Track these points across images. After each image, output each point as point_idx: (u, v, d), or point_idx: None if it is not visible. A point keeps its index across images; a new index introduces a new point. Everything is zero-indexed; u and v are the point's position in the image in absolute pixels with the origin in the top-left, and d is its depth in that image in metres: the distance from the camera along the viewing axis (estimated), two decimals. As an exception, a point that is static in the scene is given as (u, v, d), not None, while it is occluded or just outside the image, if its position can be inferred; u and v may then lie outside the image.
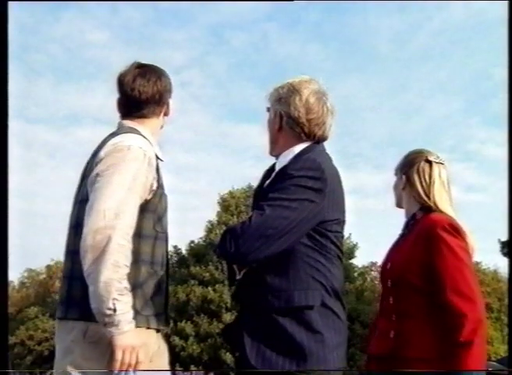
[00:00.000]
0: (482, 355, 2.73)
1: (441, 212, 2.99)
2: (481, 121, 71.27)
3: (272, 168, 2.91)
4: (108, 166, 2.51)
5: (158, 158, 2.78)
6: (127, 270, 2.44)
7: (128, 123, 2.82)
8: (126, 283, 2.42)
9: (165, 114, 2.93)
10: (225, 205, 35.51)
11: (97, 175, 2.51)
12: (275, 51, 65.60)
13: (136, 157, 2.56)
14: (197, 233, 38.50)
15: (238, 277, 2.73)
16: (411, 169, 3.11)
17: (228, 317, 30.55)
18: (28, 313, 45.91)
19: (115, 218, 2.40)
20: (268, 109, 2.93)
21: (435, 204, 3.01)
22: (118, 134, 2.68)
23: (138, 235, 2.56)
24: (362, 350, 29.79)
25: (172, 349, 30.01)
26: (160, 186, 2.69)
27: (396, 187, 3.26)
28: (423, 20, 67.31)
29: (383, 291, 3.15)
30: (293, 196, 2.56)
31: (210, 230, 34.94)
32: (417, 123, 66.79)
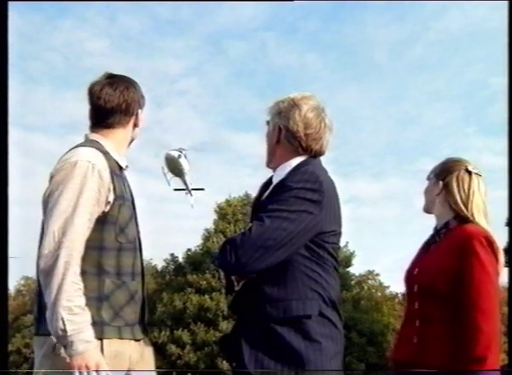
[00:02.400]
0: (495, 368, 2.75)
1: (477, 224, 2.96)
2: (478, 130, 71.33)
3: (269, 181, 2.94)
4: (57, 184, 2.55)
5: (122, 168, 2.80)
6: (77, 287, 2.45)
7: (92, 135, 2.82)
8: (77, 301, 2.44)
9: (135, 125, 2.91)
10: (222, 213, 35.51)
11: (48, 195, 2.57)
12: (273, 61, 65.69)
13: (84, 172, 2.56)
14: (194, 242, 38.47)
15: (236, 288, 2.77)
16: (450, 176, 3.06)
17: (225, 325, 30.50)
18: (24, 321, 45.74)
19: (61, 239, 2.45)
20: (268, 123, 2.97)
21: (472, 215, 2.98)
22: (70, 150, 2.69)
23: (99, 248, 2.59)
24: (359, 359, 29.76)
25: (168, 357, 30.10)
26: (118, 197, 2.67)
27: (428, 192, 3.21)
28: (420, 30, 67.47)
29: (408, 296, 3.14)
30: (292, 207, 2.60)
31: (207, 238, 34.91)
32: (414, 132, 66.81)
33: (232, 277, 2.76)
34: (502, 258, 2.89)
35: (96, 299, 2.55)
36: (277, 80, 64.04)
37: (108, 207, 2.62)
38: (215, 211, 36.16)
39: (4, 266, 2.87)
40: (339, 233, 2.80)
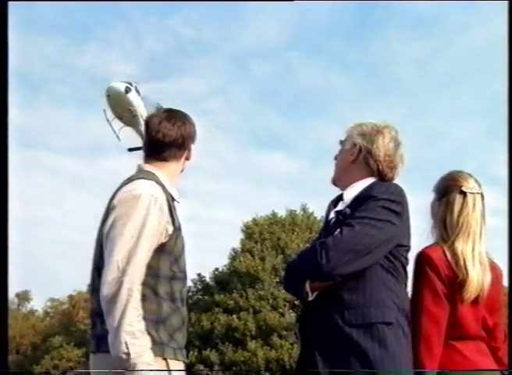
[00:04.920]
0: None
1: (450, 245, 2.95)
2: (504, 144, 70.65)
3: (339, 198, 3.03)
4: (121, 215, 2.66)
5: (174, 200, 2.89)
6: (138, 312, 2.57)
7: (147, 166, 2.94)
8: (139, 326, 2.56)
9: (187, 158, 3.03)
10: (249, 232, 35.50)
11: (111, 224, 2.67)
12: (297, 80, 65.98)
13: (147, 205, 2.68)
14: (221, 261, 38.47)
15: (310, 298, 2.79)
16: (443, 199, 3.07)
17: (253, 345, 30.38)
18: (53, 342, 46.02)
19: (125, 267, 2.57)
20: (342, 142, 3.09)
21: (448, 236, 2.98)
22: (132, 180, 2.79)
23: (155, 276, 2.70)
24: None
25: (197, 378, 29.99)
26: (176, 229, 2.79)
27: (431, 206, 3.21)
28: (444, 45, 67.41)
29: None
30: (379, 216, 2.73)
31: (234, 257, 34.90)
32: (440, 148, 66.62)
33: (307, 287, 2.77)
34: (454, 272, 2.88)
35: (154, 322, 2.66)
36: (301, 98, 64.32)
37: (167, 238, 2.74)
38: (242, 230, 36.18)
39: (4, 266, 2.91)
40: (409, 250, 2.91)
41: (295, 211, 36.63)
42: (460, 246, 2.92)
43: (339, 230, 2.75)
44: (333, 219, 2.94)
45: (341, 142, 3.10)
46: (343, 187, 3.01)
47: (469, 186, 3.04)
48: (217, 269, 35.73)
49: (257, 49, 63.61)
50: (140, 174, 2.85)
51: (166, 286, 2.73)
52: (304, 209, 36.40)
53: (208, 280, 36.14)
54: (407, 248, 2.87)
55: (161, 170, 2.90)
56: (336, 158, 3.12)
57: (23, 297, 55.92)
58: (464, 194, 3.02)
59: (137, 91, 27.36)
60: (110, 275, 2.56)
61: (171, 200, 2.85)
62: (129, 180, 2.81)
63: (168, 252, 2.74)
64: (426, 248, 2.97)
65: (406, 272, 2.88)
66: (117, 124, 28.36)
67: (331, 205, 3.05)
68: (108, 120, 28.47)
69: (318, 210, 32.71)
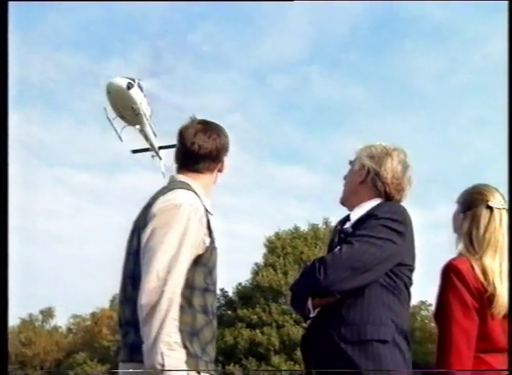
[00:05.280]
0: None
1: (478, 259, 2.90)
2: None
3: (346, 218, 3.04)
4: (161, 224, 2.63)
5: (208, 212, 2.85)
6: (176, 323, 2.54)
7: (181, 176, 2.91)
8: (176, 338, 2.52)
9: (219, 170, 3.01)
10: (272, 246, 35.50)
11: (151, 233, 2.64)
12: (316, 93, 66.06)
13: (188, 215, 2.66)
14: (244, 276, 38.46)
15: (312, 315, 2.82)
16: (469, 212, 3.02)
17: (276, 360, 30.29)
18: (76, 359, 46.21)
19: (166, 276, 2.55)
20: (351, 162, 3.12)
21: (474, 250, 2.93)
22: (171, 190, 2.77)
23: (191, 287, 2.67)
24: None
25: (222, 392, 29.96)
26: (212, 241, 2.77)
27: (454, 218, 3.17)
28: (463, 56, 67.20)
29: None
30: (379, 234, 2.73)
31: (256, 272, 34.90)
32: (459, 159, 66.25)
33: (309, 304, 2.80)
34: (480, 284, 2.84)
35: (189, 333, 2.63)
36: (321, 112, 64.38)
37: (204, 250, 2.72)
38: (265, 245, 36.19)
39: (4, 266, 2.88)
40: (413, 269, 2.91)
41: (317, 225, 36.64)
42: (488, 261, 2.91)
43: (338, 247, 2.77)
44: (336, 238, 2.98)
45: (350, 162, 3.12)
46: (351, 208, 3.04)
47: (496, 201, 3.02)
48: (240, 284, 35.74)
49: (276, 64, 63.82)
50: (178, 184, 2.83)
51: (200, 298, 2.71)
52: (325, 223, 36.38)
53: (230, 294, 36.17)
54: (411, 267, 2.87)
55: (195, 182, 2.89)
56: (345, 178, 3.16)
57: (47, 313, 56.22)
58: (490, 208, 3.00)
59: (140, 87, 25.29)
60: (150, 284, 2.54)
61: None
62: (168, 189, 2.79)
63: (203, 264, 2.72)
64: (453, 259, 2.95)
65: (409, 291, 2.89)
66: (119, 124, 26.33)
67: (338, 225, 3.09)
68: (108, 119, 26.19)
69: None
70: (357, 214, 2.95)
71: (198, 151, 2.88)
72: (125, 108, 24.93)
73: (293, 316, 31.53)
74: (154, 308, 2.51)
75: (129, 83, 24.21)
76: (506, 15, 3.27)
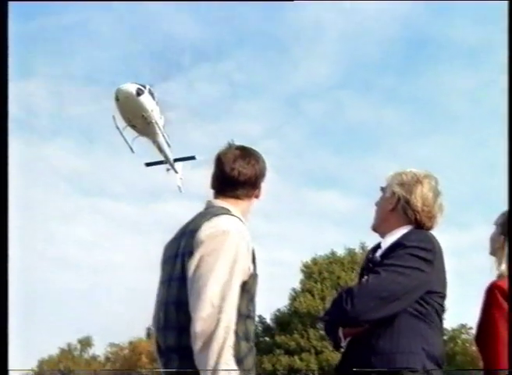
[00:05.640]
0: None
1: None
2: None
3: (377, 246, 3.06)
4: (210, 250, 2.62)
5: None
6: (232, 351, 2.54)
7: (219, 202, 2.90)
8: (233, 366, 2.52)
9: (257, 196, 2.99)
10: (309, 272, 35.37)
11: (200, 260, 2.63)
12: (350, 118, 65.98)
13: (236, 242, 2.64)
14: (282, 302, 38.32)
15: (343, 344, 2.84)
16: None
17: (316, 387, 30.01)
18: (115, 387, 46.20)
19: (221, 303, 2.54)
20: (382, 189, 3.14)
21: None
22: (215, 215, 2.75)
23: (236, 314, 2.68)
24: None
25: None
26: (255, 267, 2.76)
27: (492, 239, 3.19)
28: (496, 76, 66.68)
29: None
30: (407, 264, 2.74)
31: (294, 297, 34.75)
32: (499, 179, 65.32)
33: (340, 333, 2.82)
34: None
35: (235, 361, 2.61)
36: (355, 136, 64.25)
37: (248, 276, 2.70)
38: (302, 270, 36.06)
39: (4, 265, 2.91)
40: (445, 296, 2.91)
41: (354, 249, 36.45)
42: None
43: (366, 277, 2.81)
44: (366, 267, 3.00)
45: (382, 189, 3.14)
46: (382, 235, 3.06)
47: None
48: (278, 310, 35.59)
49: (309, 89, 63.86)
50: (221, 210, 2.82)
51: (243, 325, 2.68)
52: (362, 247, 36.15)
53: (268, 321, 36.01)
54: (442, 294, 2.86)
55: (235, 208, 2.87)
56: (377, 205, 3.16)
57: (85, 343, 56.53)
58: None
59: (151, 94, 23.57)
60: (204, 311, 2.53)
61: None
62: (211, 215, 2.77)
63: (246, 291, 2.69)
64: (498, 280, 2.97)
65: (441, 318, 2.88)
66: (131, 133, 24.47)
67: (369, 254, 3.11)
68: (118, 128, 24.21)
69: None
70: (387, 242, 2.96)
71: (238, 177, 2.86)
72: (135, 117, 23.24)
73: (332, 341, 31.28)
74: (211, 336, 2.51)
75: (139, 89, 22.75)
76: (506, 15, 3.28)
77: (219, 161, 2.91)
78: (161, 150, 25.95)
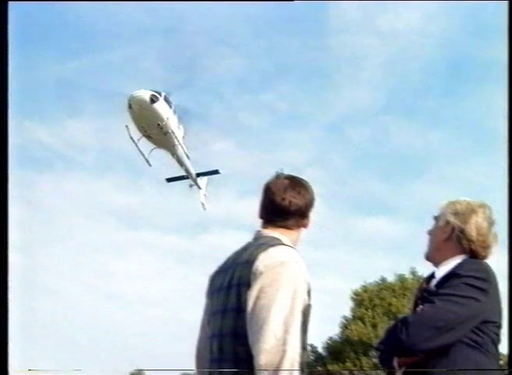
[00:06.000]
0: None
1: None
2: None
3: (431, 276, 3.06)
4: (270, 281, 2.60)
5: None
6: None
7: (270, 232, 2.88)
8: None
9: (305, 226, 2.96)
10: (359, 299, 35.08)
11: (260, 291, 2.61)
12: (395, 142, 65.38)
13: (296, 273, 2.63)
14: (333, 330, 38.00)
15: (398, 373, 2.83)
16: None
17: (371, 416, 29.63)
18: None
19: (285, 335, 2.51)
20: (435, 218, 3.14)
21: None
22: (271, 246, 2.73)
23: None
24: None
25: None
26: (309, 298, 2.74)
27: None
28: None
29: None
30: (462, 293, 2.73)
31: (345, 325, 34.48)
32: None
33: (395, 363, 2.82)
34: None
35: None
36: (401, 160, 63.61)
37: (305, 307, 2.69)
38: (352, 298, 35.78)
39: (4, 265, 2.91)
40: (501, 326, 2.90)
41: (404, 275, 36.05)
42: None
43: (421, 306, 2.79)
44: (420, 297, 3.00)
45: (435, 218, 3.13)
46: (435, 264, 3.05)
47: None
48: (329, 339, 35.32)
49: (353, 116, 63.63)
50: (275, 241, 2.80)
51: (300, 357, 2.65)
52: (412, 273, 35.75)
53: (320, 350, 35.73)
54: (498, 324, 2.85)
55: (286, 238, 2.85)
56: (429, 234, 3.16)
57: (138, 376, 56.65)
58: None
59: (168, 102, 21.87)
60: (268, 344, 2.50)
61: None
62: (267, 245, 2.74)
63: (302, 322, 2.67)
64: None
65: (497, 348, 2.86)
66: (147, 145, 22.78)
67: (423, 283, 3.10)
68: (132, 139, 22.31)
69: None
70: (441, 272, 2.94)
71: (289, 207, 2.85)
72: (150, 126, 21.62)
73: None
74: (276, 368, 2.48)
75: (153, 95, 21.14)
76: (506, 15, 3.24)
77: (269, 191, 2.90)
78: (181, 163, 24.40)
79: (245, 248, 2.82)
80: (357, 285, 36.33)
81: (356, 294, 35.60)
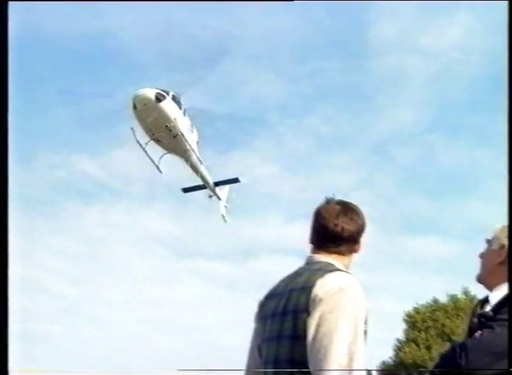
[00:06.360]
0: None
1: None
2: None
3: (485, 299, 3.03)
4: (331, 308, 2.58)
5: None
6: None
7: (322, 257, 2.87)
8: None
9: (356, 251, 2.95)
10: (412, 321, 34.65)
11: (321, 318, 2.59)
12: (442, 161, 64.75)
13: (357, 299, 2.62)
14: (386, 353, 37.55)
15: None
16: None
17: None
18: None
19: (349, 363, 2.49)
20: (489, 241, 3.11)
21: None
22: (328, 271, 2.72)
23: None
24: None
25: None
26: (366, 322, 2.72)
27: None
28: None
29: None
30: None
31: (399, 348, 34.06)
32: None
33: None
34: None
35: None
36: (449, 179, 62.95)
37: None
38: (404, 320, 35.35)
39: (4, 265, 2.95)
40: None
41: (456, 295, 35.54)
42: None
43: (479, 331, 2.74)
44: (476, 322, 2.95)
45: (488, 241, 3.09)
46: (488, 288, 3.01)
47: None
48: (383, 362, 34.92)
49: (397, 136, 63.22)
50: (331, 267, 2.78)
51: None
52: (465, 293, 35.23)
53: (374, 373, 35.30)
54: None
55: (339, 263, 2.83)
56: (481, 257, 3.13)
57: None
58: None
59: (176, 101, 20.07)
60: (332, 372, 2.48)
61: None
62: (323, 271, 2.72)
63: None
64: None
65: None
66: (156, 149, 20.84)
67: (477, 307, 3.06)
68: (138, 143, 20.39)
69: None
70: (497, 296, 2.91)
71: (342, 233, 2.84)
72: (158, 128, 19.80)
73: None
74: None
75: (159, 93, 19.39)
76: (506, 15, 3.23)
77: (320, 216, 2.89)
78: (196, 171, 22.44)
79: (298, 274, 2.80)
80: (409, 307, 35.97)
81: (408, 316, 35.18)
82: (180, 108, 20.59)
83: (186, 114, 20.98)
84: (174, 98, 20.26)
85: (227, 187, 24.50)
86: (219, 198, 24.28)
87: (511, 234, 2.98)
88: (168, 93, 19.96)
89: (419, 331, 33.46)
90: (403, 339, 34.47)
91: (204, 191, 23.86)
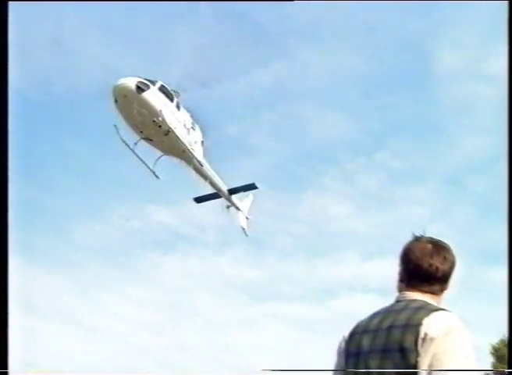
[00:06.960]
0: None
1: None
2: None
3: None
4: (444, 349, 2.59)
5: None
6: None
7: (418, 295, 2.86)
8: None
9: (447, 289, 2.95)
10: (499, 355, 33.73)
11: (433, 358, 2.59)
12: (516, 187, 63.34)
13: (467, 339, 2.64)
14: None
15: None
16: None
17: None
18: None
19: None
20: None
21: None
22: (433, 311, 2.72)
23: None
24: None
25: None
26: None
27: None
28: None
29: None
30: None
31: (488, 383, 33.19)
32: None
33: None
34: None
35: None
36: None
37: None
38: (491, 353, 34.45)
39: (4, 265, 3.06)
40: None
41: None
42: None
43: None
44: None
45: None
46: None
47: None
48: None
49: (471, 165, 62.22)
50: (431, 306, 2.78)
51: None
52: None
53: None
54: None
55: (434, 302, 2.83)
56: None
57: None
58: None
59: (165, 92, 16.95)
60: None
61: None
62: (428, 310, 2.72)
63: None
64: None
65: None
66: (154, 152, 17.72)
67: None
68: (124, 142, 17.26)
69: None
70: None
71: (436, 273, 2.84)
72: (145, 125, 16.44)
73: None
74: None
75: (141, 82, 16.18)
76: (506, 15, 3.27)
77: (412, 255, 2.88)
78: (204, 176, 19.13)
79: (393, 311, 2.80)
80: (495, 339, 35.07)
81: (495, 349, 34.29)
82: (172, 100, 17.57)
83: (182, 108, 17.98)
84: (162, 89, 17.34)
85: (250, 196, 21.72)
86: (238, 209, 21.55)
87: (511, 235, 3.02)
88: (154, 83, 16.98)
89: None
90: (492, 373, 33.59)
91: (221, 200, 20.69)
